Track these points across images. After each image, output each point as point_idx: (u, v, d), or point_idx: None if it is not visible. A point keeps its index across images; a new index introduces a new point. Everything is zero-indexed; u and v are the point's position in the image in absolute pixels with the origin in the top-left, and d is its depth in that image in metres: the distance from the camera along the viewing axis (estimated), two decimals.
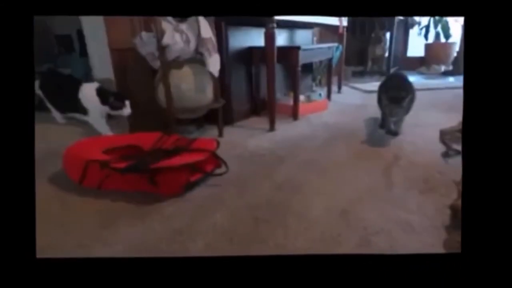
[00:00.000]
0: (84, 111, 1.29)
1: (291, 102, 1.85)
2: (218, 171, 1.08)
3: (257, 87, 1.93)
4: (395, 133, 1.43)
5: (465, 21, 0.46)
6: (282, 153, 1.31)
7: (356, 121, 1.76)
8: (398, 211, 0.85)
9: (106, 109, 1.26)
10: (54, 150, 1.20)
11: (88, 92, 1.25)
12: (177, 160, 0.99)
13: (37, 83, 1.33)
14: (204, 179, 1.04)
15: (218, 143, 1.12)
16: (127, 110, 1.28)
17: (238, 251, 0.71)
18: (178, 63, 1.47)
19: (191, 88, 1.46)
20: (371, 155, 1.27)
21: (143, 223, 0.82)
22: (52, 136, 1.44)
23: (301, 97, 1.94)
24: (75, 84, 1.28)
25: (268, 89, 1.61)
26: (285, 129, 1.65)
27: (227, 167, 1.07)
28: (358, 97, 2.44)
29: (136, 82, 1.57)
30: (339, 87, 2.67)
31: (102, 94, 1.25)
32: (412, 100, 1.44)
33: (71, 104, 1.29)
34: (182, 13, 0.58)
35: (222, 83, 1.64)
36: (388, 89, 1.42)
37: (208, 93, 1.55)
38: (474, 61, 0.44)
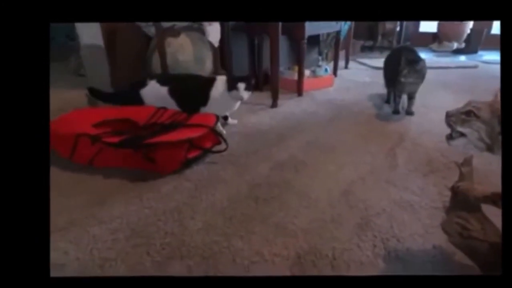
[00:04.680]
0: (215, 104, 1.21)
1: (295, 77, 1.75)
2: (217, 148, 1.04)
3: (260, 60, 1.83)
4: (410, 113, 1.40)
5: (502, 24, 0.44)
6: (284, 131, 1.27)
7: (362, 99, 1.69)
8: (400, 192, 0.83)
9: (241, 94, 1.18)
10: None
11: (221, 84, 1.19)
12: (174, 136, 0.95)
13: (164, 89, 1.19)
14: (202, 156, 1.01)
15: (217, 118, 1.08)
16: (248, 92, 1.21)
17: (237, 230, 0.69)
18: (174, 31, 1.36)
19: (189, 58, 1.37)
20: (376, 135, 1.23)
21: (140, 200, 0.80)
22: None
23: (306, 72, 1.84)
24: (209, 81, 1.21)
25: (271, 62, 1.52)
26: (288, 106, 1.59)
27: (226, 144, 1.04)
28: (366, 74, 2.33)
29: (128, 50, 1.47)
30: (347, 63, 2.54)
31: (232, 82, 1.18)
32: (421, 74, 1.37)
33: (202, 101, 1.20)
34: (190, 18, 0.53)
35: (222, 54, 1.55)
36: (402, 52, 1.39)
37: (207, 64, 1.46)
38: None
